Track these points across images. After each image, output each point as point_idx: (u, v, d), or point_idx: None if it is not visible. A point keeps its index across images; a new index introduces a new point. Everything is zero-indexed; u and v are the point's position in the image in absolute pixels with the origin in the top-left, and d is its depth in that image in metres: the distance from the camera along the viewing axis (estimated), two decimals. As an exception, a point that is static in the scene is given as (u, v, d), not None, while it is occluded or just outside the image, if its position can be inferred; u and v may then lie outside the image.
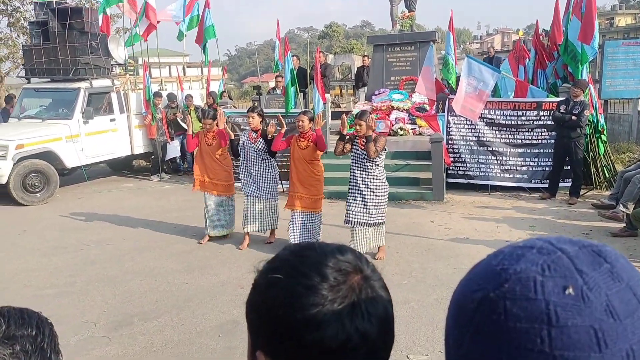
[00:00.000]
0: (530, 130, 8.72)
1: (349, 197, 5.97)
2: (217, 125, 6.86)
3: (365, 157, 5.74)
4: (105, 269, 6.12)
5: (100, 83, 10.70)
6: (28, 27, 13.61)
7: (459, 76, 8.71)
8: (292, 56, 10.08)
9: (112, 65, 11.37)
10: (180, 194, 9.85)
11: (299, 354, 0.69)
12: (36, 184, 9.48)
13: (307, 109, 8.12)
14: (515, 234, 6.77)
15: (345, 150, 5.92)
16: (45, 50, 10.62)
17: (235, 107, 13.08)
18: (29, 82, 11.37)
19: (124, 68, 11.75)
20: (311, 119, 6.30)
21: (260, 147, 6.60)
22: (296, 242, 6.15)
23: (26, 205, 9.30)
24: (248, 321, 0.77)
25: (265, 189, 6.67)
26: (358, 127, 5.76)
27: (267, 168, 6.68)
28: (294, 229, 6.30)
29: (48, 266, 6.29)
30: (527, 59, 10.04)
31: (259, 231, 6.78)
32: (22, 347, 0.81)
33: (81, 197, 10.00)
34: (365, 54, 19.74)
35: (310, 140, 6.19)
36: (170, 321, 4.79)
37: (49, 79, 11.01)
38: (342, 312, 0.69)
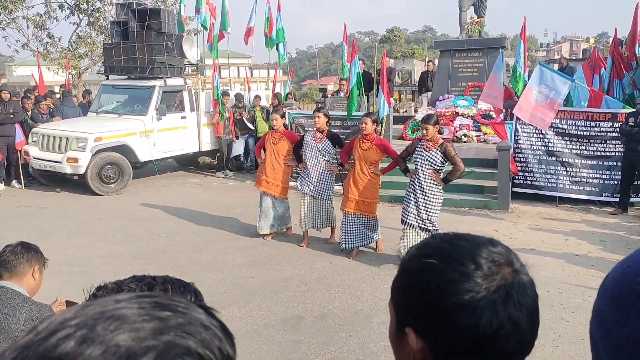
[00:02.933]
0: (603, 141, 8.40)
1: (404, 197, 6.04)
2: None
3: (427, 161, 5.73)
4: (176, 259, 6.40)
5: (174, 82, 11.16)
6: (108, 26, 14.36)
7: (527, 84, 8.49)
8: (359, 59, 10.13)
9: (185, 65, 11.82)
10: (243, 191, 10.12)
11: (452, 336, 0.74)
12: (111, 175, 10.01)
13: (371, 112, 8.17)
14: (585, 247, 6.55)
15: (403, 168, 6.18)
16: (124, 49, 11.18)
17: (300, 109, 13.30)
18: (107, 79, 12.00)
19: (196, 68, 12.19)
20: (375, 122, 6.33)
21: (324, 147, 6.70)
22: (347, 244, 6.27)
23: (101, 195, 9.82)
24: (395, 301, 0.83)
25: (321, 189, 6.76)
26: (424, 131, 5.75)
27: (326, 170, 6.76)
28: (345, 231, 6.35)
29: (123, 253, 6.64)
30: (603, 68, 9.67)
31: (317, 229, 6.90)
32: None
33: (151, 189, 10.47)
34: (429, 59, 19.54)
35: (373, 142, 6.23)
36: (237, 312, 4.96)
37: (126, 76, 11.58)
38: (496, 300, 0.73)
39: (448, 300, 0.74)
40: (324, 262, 6.27)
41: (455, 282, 0.74)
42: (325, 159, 6.72)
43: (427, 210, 5.80)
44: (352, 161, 6.54)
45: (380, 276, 5.78)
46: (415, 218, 5.84)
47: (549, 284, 5.44)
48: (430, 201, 5.79)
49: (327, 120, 6.75)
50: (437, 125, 5.68)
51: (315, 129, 6.83)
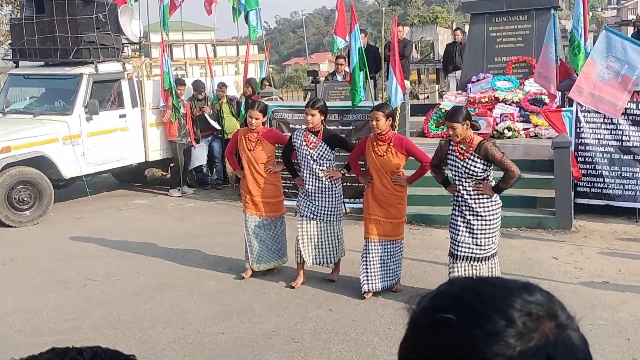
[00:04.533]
0: (697, 132, 8.50)
1: (450, 222, 6.09)
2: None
3: (465, 173, 5.77)
4: (117, 312, 6.40)
5: (108, 68, 11.21)
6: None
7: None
8: (359, 30, 10.17)
9: (123, 44, 11.85)
10: (208, 214, 10.14)
11: None
12: (25, 198, 9.99)
13: (382, 103, 8.22)
14: (676, 277, 6.60)
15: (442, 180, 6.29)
16: (39, 25, 11.19)
17: (281, 99, 13.34)
18: (16, 66, 12.03)
19: (139, 48, 12.22)
20: (389, 115, 6.36)
21: (320, 154, 6.72)
22: (369, 284, 6.29)
23: (12, 227, 9.80)
24: None
25: (323, 208, 6.78)
26: (451, 132, 5.79)
27: (327, 181, 6.79)
28: (367, 265, 6.37)
29: (44, 306, 6.62)
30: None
31: (319, 264, 6.92)
32: None
33: (81, 216, 10.47)
34: (456, 26, 19.73)
35: (390, 143, 6.26)
36: (203, 383, 4.97)
37: (43, 63, 11.61)
38: None
39: None
40: (320, 310, 6.28)
41: (481, 344, 0.76)
42: (323, 168, 6.76)
43: (485, 234, 5.88)
44: (366, 171, 6.63)
45: (399, 326, 5.78)
46: (470, 249, 5.91)
47: (629, 329, 5.47)
48: (487, 221, 5.86)
49: (323, 117, 6.76)
50: (467, 121, 5.72)
51: (304, 128, 6.85)
